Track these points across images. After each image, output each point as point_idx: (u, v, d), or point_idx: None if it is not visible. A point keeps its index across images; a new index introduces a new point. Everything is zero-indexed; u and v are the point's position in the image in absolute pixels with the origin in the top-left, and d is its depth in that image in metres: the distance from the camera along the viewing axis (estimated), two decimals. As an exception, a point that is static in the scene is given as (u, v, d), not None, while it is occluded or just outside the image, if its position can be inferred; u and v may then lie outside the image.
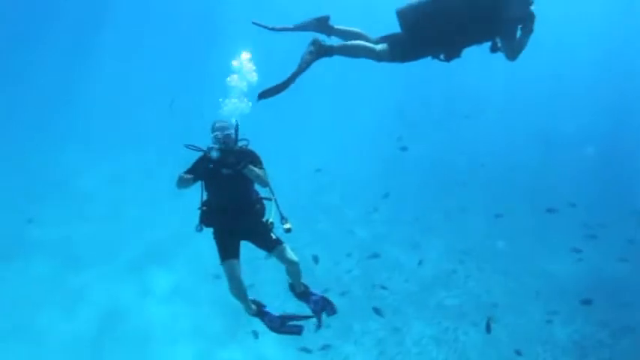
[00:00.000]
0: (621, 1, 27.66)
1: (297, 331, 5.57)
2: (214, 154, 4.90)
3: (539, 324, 12.13)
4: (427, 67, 4.78)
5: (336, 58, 4.33)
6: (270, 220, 5.29)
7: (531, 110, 24.32)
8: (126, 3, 31.42)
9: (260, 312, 5.49)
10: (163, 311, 12.59)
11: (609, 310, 12.08)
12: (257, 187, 5.37)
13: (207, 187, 5.27)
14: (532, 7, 4.25)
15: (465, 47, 4.42)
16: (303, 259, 5.50)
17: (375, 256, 13.19)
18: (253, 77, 4.92)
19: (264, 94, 4.14)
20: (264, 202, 5.47)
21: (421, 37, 4.27)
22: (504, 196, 16.29)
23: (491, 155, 19.17)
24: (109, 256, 14.36)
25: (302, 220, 13.72)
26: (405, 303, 12.80)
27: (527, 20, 4.26)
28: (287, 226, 5.25)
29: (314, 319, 5.69)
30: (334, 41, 4.48)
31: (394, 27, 4.37)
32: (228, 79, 4.92)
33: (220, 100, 4.97)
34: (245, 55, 4.95)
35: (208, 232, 5.35)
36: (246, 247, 5.32)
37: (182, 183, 5.01)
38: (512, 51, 4.42)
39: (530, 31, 4.30)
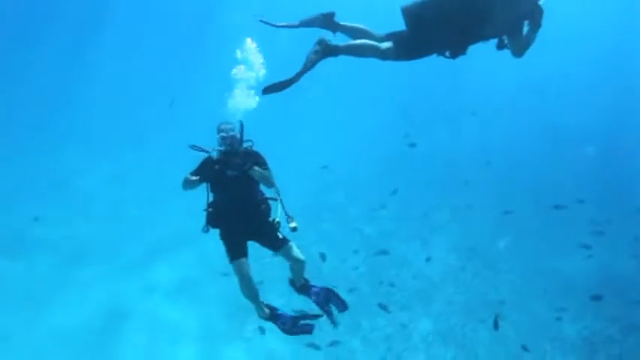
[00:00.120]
0: (623, 1, 27.78)
1: (309, 329, 5.54)
2: (216, 155, 4.94)
3: (547, 321, 12.06)
4: (433, 64, 4.72)
5: (342, 56, 4.28)
6: (277, 219, 5.30)
7: (537, 108, 24.35)
8: (126, 3, 31.39)
9: (273, 315, 5.47)
10: (168, 309, 12.51)
11: (619, 306, 12.00)
12: (262, 187, 5.37)
13: (213, 189, 5.28)
14: (540, 2, 4.15)
15: (470, 44, 4.34)
16: (310, 257, 5.51)
17: (383, 253, 13.08)
18: (260, 70, 4.88)
19: (268, 90, 4.10)
20: (270, 201, 5.46)
21: (426, 35, 4.20)
22: (511, 193, 16.25)
23: (498, 152, 19.14)
24: (112, 254, 14.35)
25: (308, 218, 13.75)
26: (413, 300, 12.74)
27: (536, 15, 4.16)
28: (293, 224, 5.21)
29: (326, 317, 5.66)
30: (339, 38, 4.45)
31: (399, 24, 4.31)
32: (234, 70, 4.87)
33: (226, 94, 4.93)
34: (251, 45, 4.89)
35: (213, 230, 5.36)
36: (252, 246, 5.32)
37: (188, 184, 5.03)
38: (519, 47, 4.33)
39: (539, 26, 4.20)
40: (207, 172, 5.06)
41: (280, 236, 5.31)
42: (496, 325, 10.38)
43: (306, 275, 5.66)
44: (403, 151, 17.37)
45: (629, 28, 28.40)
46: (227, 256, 5.23)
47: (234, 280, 5.11)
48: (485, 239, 14.72)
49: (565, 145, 19.22)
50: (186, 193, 5.13)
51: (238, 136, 5.03)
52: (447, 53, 4.37)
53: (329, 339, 10.54)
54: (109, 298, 12.56)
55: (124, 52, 31.63)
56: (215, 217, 5.31)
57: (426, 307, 12.55)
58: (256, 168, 5.00)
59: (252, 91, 4.88)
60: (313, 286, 5.65)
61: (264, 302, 5.41)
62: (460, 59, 4.43)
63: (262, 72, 4.88)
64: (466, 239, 14.80)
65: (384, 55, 4.23)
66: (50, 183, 18.49)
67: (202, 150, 5.11)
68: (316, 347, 10.29)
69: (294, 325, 5.47)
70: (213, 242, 5.37)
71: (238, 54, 4.89)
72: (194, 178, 5.00)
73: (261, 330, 10.40)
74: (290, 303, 7.56)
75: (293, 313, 5.57)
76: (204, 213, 5.36)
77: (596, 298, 11.43)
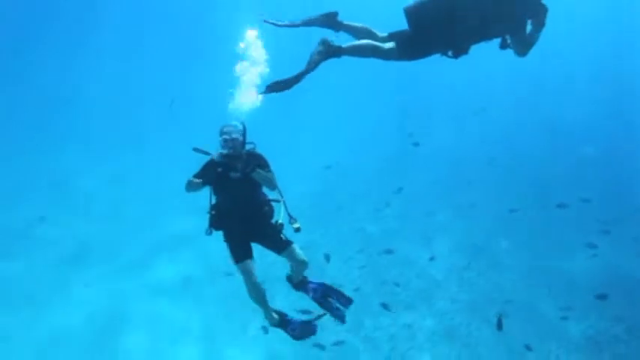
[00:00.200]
0: (623, 1, 27.81)
1: (313, 330, 5.58)
2: (219, 158, 4.96)
3: (552, 320, 11.97)
4: (437, 62, 4.70)
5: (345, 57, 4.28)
6: (280, 221, 5.32)
7: (541, 106, 24.30)
8: (126, 3, 31.40)
9: (282, 322, 5.50)
10: (169, 308, 12.43)
11: (624, 305, 11.89)
12: (265, 189, 5.40)
13: (216, 191, 5.31)
14: (543, 0, 4.14)
15: (473, 44, 4.34)
16: (313, 257, 5.47)
17: (387, 252, 13.03)
18: (263, 67, 4.85)
19: (270, 88, 4.07)
20: (273, 203, 5.50)
21: (429, 35, 4.20)
22: (514, 192, 16.19)
23: (501, 151, 19.08)
24: (112, 254, 14.32)
25: (312, 217, 13.69)
26: (417, 299, 12.65)
27: (540, 13, 4.15)
28: (296, 225, 5.29)
29: (330, 315, 5.68)
30: (342, 37, 4.48)
31: (402, 23, 4.30)
32: (237, 66, 4.83)
33: (230, 90, 4.91)
34: (252, 34, 4.84)
35: (216, 232, 5.39)
36: (256, 246, 5.34)
37: (191, 187, 5.05)
38: (523, 46, 4.31)
39: (543, 25, 4.19)
40: (210, 174, 5.09)
41: (284, 238, 5.35)
42: (499, 326, 10.29)
43: (309, 275, 5.68)
44: (406, 150, 17.35)
45: (629, 28, 28.45)
46: (232, 259, 5.24)
47: (235, 280, 5.09)
48: (489, 238, 14.64)
49: (569, 143, 19.14)
50: (187, 193, 5.14)
51: (241, 138, 5.05)
52: (450, 53, 4.37)
53: (333, 339, 10.49)
54: (109, 298, 12.52)
55: (123, 52, 31.66)
56: (218, 220, 5.34)
57: (430, 307, 12.46)
58: (259, 170, 5.02)
59: (255, 89, 4.83)
60: (310, 283, 5.67)
61: (274, 309, 5.44)
62: (464, 58, 4.41)
63: (266, 70, 4.85)
64: (470, 238, 14.71)
65: (386, 55, 4.24)
66: (50, 183, 18.51)
67: (205, 153, 5.10)
68: (320, 347, 10.19)
69: (303, 331, 5.51)
70: (214, 242, 5.41)
71: (242, 45, 4.85)
72: (197, 181, 5.03)
73: (265, 329, 10.29)
74: (295, 303, 7.48)
75: (302, 318, 5.57)
76: (208, 215, 5.39)
77: (602, 297, 11.34)
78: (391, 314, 11.61)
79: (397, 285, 12.58)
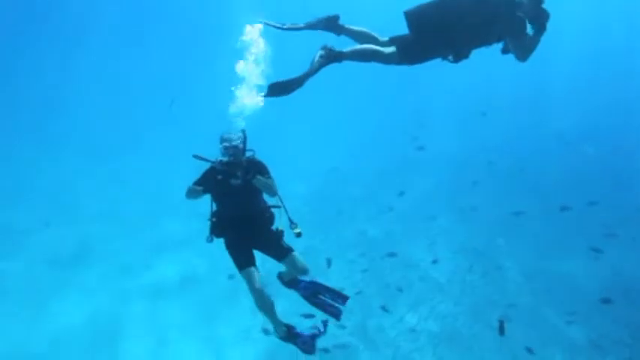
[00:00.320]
0: (623, 1, 27.88)
1: (318, 335, 5.52)
2: (219, 166, 5.00)
3: (555, 324, 11.92)
4: (440, 67, 4.68)
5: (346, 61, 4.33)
6: (280, 228, 5.36)
7: (543, 109, 24.30)
8: (126, 3, 31.38)
9: (291, 335, 5.43)
10: (169, 309, 12.40)
11: (629, 309, 11.85)
12: (265, 195, 5.41)
13: (217, 199, 5.32)
14: (544, 5, 4.17)
15: (474, 48, 4.37)
16: (315, 261, 5.40)
17: (389, 255, 12.98)
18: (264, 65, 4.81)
19: (271, 90, 4.11)
20: (273, 209, 5.52)
21: (429, 39, 4.22)
22: (517, 195, 16.15)
23: (503, 154, 19.05)
24: (112, 254, 14.30)
25: (314, 221, 13.67)
26: (420, 302, 12.56)
27: (541, 18, 4.17)
28: (297, 230, 5.32)
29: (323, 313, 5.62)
30: (343, 41, 4.53)
31: (403, 27, 4.33)
32: (239, 65, 4.80)
33: (232, 88, 4.87)
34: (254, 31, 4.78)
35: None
36: (257, 254, 5.37)
37: (191, 194, 5.10)
38: (523, 51, 4.33)
39: (544, 29, 4.21)
40: (211, 182, 5.12)
41: (284, 245, 5.36)
42: (502, 330, 10.22)
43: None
44: (410, 153, 17.37)
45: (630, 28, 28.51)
46: (235, 266, 5.24)
47: (235, 280, 5.01)
48: (491, 241, 14.58)
49: (570, 146, 19.09)
50: (187, 200, 5.17)
51: (241, 145, 5.06)
52: (450, 57, 4.39)
53: (336, 342, 10.46)
54: (109, 298, 12.50)
55: (123, 52, 31.66)
56: (219, 227, 5.36)
57: (433, 310, 12.39)
58: (259, 177, 5.03)
59: (256, 90, 4.80)
60: (301, 281, 5.59)
61: (284, 322, 5.38)
62: (466, 62, 4.45)
63: (268, 70, 4.81)
64: (472, 241, 14.66)
65: (387, 59, 4.27)
66: (50, 183, 18.43)
67: (205, 160, 5.10)
68: (323, 350, 10.11)
69: (313, 342, 5.44)
70: (214, 242, 5.39)
71: (245, 38, 4.79)
72: (198, 188, 5.08)
73: (266, 331, 10.24)
74: (300, 309, 7.38)
75: (312, 331, 5.49)
76: (208, 223, 5.40)
77: (606, 301, 11.29)
78: (394, 317, 11.59)
79: (401, 291, 12.49)
